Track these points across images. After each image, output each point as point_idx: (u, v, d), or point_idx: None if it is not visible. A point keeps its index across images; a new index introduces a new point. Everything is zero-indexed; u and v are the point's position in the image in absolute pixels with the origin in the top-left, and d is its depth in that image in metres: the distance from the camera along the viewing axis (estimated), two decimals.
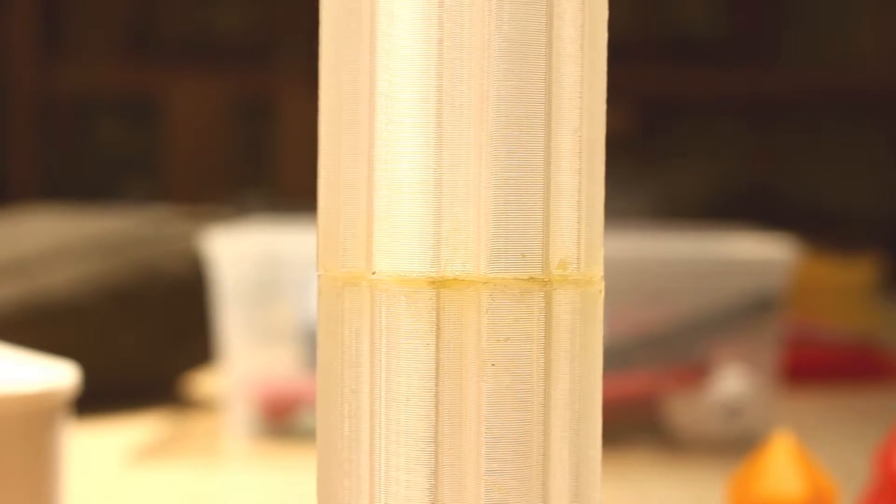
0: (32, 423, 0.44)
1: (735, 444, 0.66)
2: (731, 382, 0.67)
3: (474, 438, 0.29)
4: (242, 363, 0.68)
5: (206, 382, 0.82)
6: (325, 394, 0.30)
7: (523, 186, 0.29)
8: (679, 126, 2.06)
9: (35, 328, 0.71)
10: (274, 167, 1.94)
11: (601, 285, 0.31)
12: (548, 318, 0.29)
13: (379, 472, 0.29)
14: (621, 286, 0.65)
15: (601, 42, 0.30)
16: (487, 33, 0.28)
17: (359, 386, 0.29)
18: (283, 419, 0.68)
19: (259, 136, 1.98)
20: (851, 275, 1.07)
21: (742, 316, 0.68)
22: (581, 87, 0.29)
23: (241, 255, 0.67)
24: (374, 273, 0.29)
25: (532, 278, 0.29)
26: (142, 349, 0.76)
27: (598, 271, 0.31)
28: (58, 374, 0.45)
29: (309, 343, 0.68)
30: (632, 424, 0.68)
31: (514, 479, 0.29)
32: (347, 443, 0.29)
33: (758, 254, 0.69)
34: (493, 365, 0.29)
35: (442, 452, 0.29)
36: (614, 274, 0.66)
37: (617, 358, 0.66)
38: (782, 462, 0.44)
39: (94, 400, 0.65)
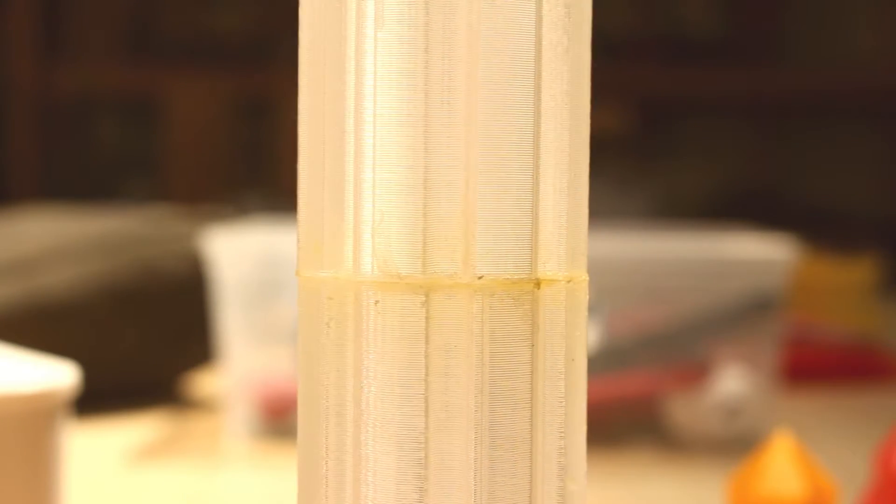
0: (32, 423, 0.44)
1: (735, 444, 0.66)
2: (731, 382, 0.67)
3: (556, 435, 0.29)
4: (242, 363, 0.68)
5: (206, 382, 0.82)
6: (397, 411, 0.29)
7: (580, 186, 0.30)
8: (679, 126, 2.06)
9: (35, 328, 0.71)
10: (274, 167, 1.94)
11: None
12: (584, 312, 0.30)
13: (481, 484, 0.29)
14: (621, 286, 0.65)
15: (586, 40, 0.30)
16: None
17: (446, 398, 0.29)
18: (283, 419, 0.68)
19: (259, 136, 1.98)
20: (851, 275, 1.07)
21: (742, 316, 0.68)
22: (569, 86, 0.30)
23: (241, 255, 0.67)
24: (480, 277, 0.28)
25: (587, 275, 0.30)
26: (142, 349, 0.76)
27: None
28: (58, 374, 0.45)
29: None
30: (632, 424, 0.68)
31: (580, 471, 0.30)
32: (421, 456, 0.29)
33: (758, 254, 0.69)
34: (573, 360, 0.29)
35: (537, 453, 0.29)
36: (614, 274, 0.66)
37: (617, 358, 0.66)
38: (782, 462, 0.44)
39: (94, 400, 0.65)
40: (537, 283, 0.29)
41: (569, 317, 0.29)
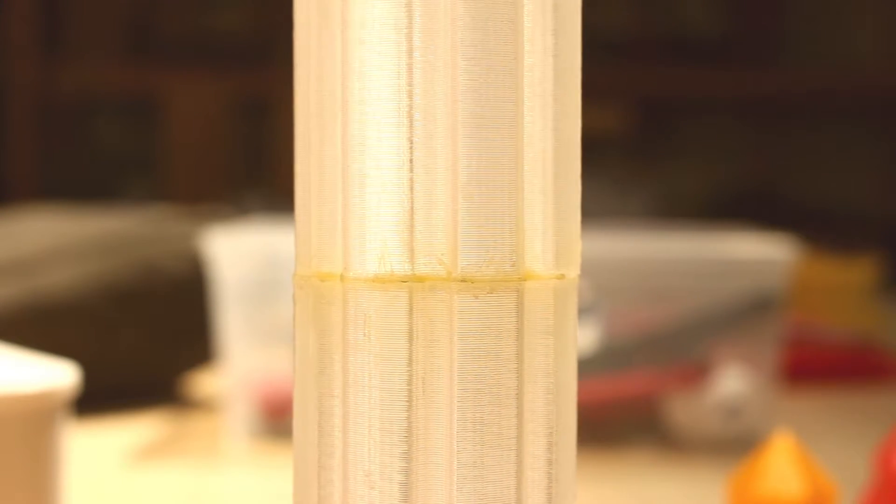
0: (32, 423, 0.44)
1: (735, 444, 0.66)
2: (731, 382, 0.67)
3: (545, 431, 0.30)
4: (242, 363, 0.68)
5: (206, 382, 0.82)
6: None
7: (569, 184, 0.31)
8: (679, 126, 2.06)
9: (35, 328, 0.71)
10: (274, 167, 1.94)
11: None
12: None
13: (464, 478, 0.29)
14: (621, 286, 0.65)
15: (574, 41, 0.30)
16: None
17: (428, 393, 0.29)
18: (283, 419, 0.68)
19: (259, 136, 1.98)
20: (851, 275, 1.07)
21: (742, 316, 0.68)
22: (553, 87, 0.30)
23: (241, 255, 0.67)
24: (463, 273, 0.29)
25: (577, 273, 0.31)
26: (142, 349, 0.76)
27: None
28: (58, 374, 0.45)
29: None
30: (632, 424, 0.68)
31: (570, 466, 0.30)
32: (405, 449, 0.30)
33: (758, 254, 0.69)
34: (562, 357, 0.30)
35: (525, 449, 0.29)
36: (614, 274, 0.66)
37: (617, 358, 0.66)
38: (782, 462, 0.44)
39: (94, 400, 0.65)
40: (522, 280, 0.29)
41: (557, 314, 0.29)
